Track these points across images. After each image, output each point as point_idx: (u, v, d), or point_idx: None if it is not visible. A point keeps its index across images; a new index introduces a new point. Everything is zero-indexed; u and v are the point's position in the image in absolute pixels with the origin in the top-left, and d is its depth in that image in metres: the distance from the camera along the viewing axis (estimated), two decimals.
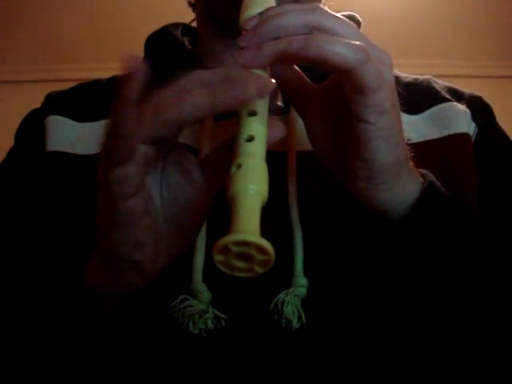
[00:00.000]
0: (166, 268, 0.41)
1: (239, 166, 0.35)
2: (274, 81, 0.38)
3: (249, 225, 0.32)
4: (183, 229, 0.41)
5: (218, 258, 0.33)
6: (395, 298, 0.47)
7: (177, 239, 0.41)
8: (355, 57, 0.37)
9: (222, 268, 0.33)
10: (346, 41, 0.37)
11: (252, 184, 0.34)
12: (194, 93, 0.36)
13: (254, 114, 0.37)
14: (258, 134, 0.37)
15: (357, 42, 0.38)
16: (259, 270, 0.33)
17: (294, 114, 0.55)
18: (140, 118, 0.34)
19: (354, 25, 0.41)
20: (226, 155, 0.38)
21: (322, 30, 0.38)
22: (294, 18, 0.39)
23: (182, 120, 0.36)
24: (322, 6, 0.41)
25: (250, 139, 0.36)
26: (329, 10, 0.40)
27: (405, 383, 0.48)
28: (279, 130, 0.37)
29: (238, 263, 0.33)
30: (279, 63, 0.40)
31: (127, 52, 0.31)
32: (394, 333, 0.49)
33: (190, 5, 0.71)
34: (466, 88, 0.65)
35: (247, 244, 0.31)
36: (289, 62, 0.43)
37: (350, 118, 0.40)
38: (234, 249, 0.32)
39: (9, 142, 0.65)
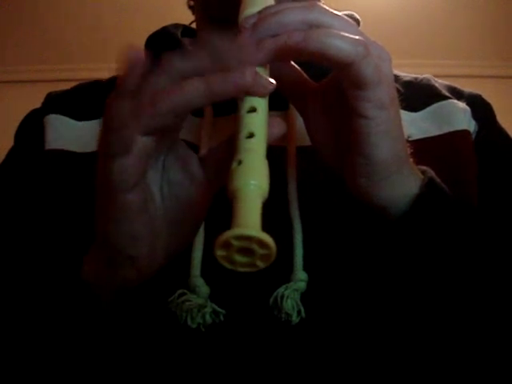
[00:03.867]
0: (163, 265, 0.42)
1: (240, 162, 0.35)
2: (273, 81, 0.38)
3: (250, 219, 0.32)
4: (183, 225, 0.41)
5: (220, 252, 0.33)
6: (394, 292, 0.47)
7: (176, 236, 0.41)
8: (355, 51, 0.37)
9: (224, 263, 0.33)
10: (346, 35, 0.38)
11: (253, 179, 0.34)
12: (191, 81, 0.35)
13: (253, 110, 0.38)
14: (258, 130, 0.37)
15: (356, 37, 0.38)
16: (261, 264, 0.33)
17: (293, 109, 0.55)
18: (135, 109, 0.34)
19: (353, 22, 0.41)
20: (226, 151, 0.38)
21: (320, 26, 0.39)
22: (293, 15, 0.39)
23: (180, 110, 0.36)
24: (321, 4, 0.41)
25: (251, 136, 0.36)
26: (327, 8, 0.40)
27: (403, 378, 0.48)
28: (279, 126, 0.37)
29: (240, 258, 0.33)
30: (278, 60, 0.41)
31: (128, 44, 0.31)
32: (393, 327, 0.49)
33: (190, 7, 0.71)
34: (466, 88, 0.65)
35: (248, 238, 0.32)
36: (288, 58, 0.43)
37: (349, 114, 0.40)
38: (236, 243, 0.32)
39: (9, 142, 0.65)
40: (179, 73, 0.36)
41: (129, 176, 0.36)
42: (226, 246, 0.32)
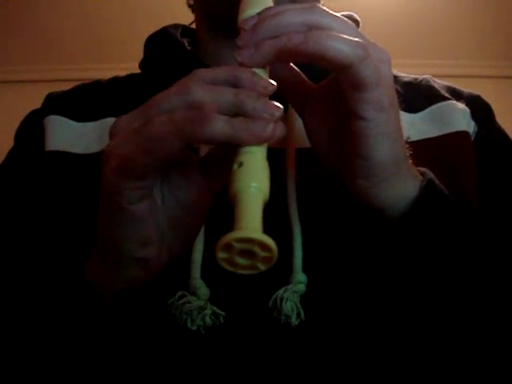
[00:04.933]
0: (167, 265, 0.42)
1: (241, 164, 0.35)
2: (274, 82, 0.38)
3: (251, 222, 0.32)
4: (184, 227, 0.41)
5: (221, 255, 0.33)
6: (394, 294, 0.47)
7: (178, 237, 0.41)
8: (354, 53, 0.37)
9: (225, 265, 0.34)
10: (345, 37, 0.38)
11: (254, 182, 0.34)
12: (216, 116, 0.35)
13: None
14: None
15: (355, 39, 0.38)
16: (262, 266, 0.33)
17: (293, 111, 0.55)
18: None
19: (353, 23, 0.41)
20: (226, 153, 0.38)
21: (320, 28, 0.39)
22: (293, 16, 0.39)
23: (202, 140, 0.36)
24: (320, 5, 0.41)
25: None
26: (327, 9, 0.40)
27: (403, 379, 0.48)
28: (279, 129, 0.37)
29: (241, 260, 0.33)
30: (278, 62, 0.41)
31: None
32: (392, 329, 0.49)
33: (190, 6, 0.71)
34: (466, 88, 0.65)
35: (250, 241, 0.32)
36: (287, 59, 0.43)
37: (348, 116, 0.40)
38: (237, 246, 0.32)
39: (9, 142, 0.65)
40: (196, 100, 0.36)
41: (141, 193, 0.37)
42: (228, 248, 0.32)
